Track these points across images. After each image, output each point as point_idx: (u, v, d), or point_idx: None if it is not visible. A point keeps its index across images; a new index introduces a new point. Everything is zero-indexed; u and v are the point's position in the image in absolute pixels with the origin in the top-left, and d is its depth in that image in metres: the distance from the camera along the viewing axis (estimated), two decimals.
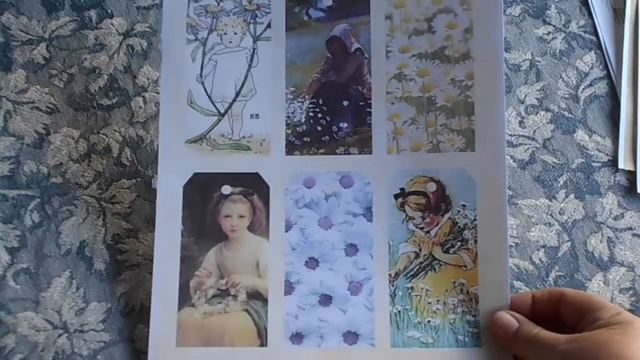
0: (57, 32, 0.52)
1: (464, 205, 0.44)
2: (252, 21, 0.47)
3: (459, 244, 0.44)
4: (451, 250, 0.44)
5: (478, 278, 0.44)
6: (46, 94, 0.50)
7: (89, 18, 0.52)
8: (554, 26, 0.53)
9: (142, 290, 0.46)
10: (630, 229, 0.48)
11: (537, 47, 0.53)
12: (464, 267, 0.44)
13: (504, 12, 0.54)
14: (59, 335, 0.44)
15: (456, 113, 0.45)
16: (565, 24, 0.53)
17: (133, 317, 0.45)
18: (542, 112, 0.51)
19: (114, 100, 0.50)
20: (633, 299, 0.46)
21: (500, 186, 0.44)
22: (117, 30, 0.52)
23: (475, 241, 0.44)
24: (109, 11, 0.53)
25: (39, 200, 0.47)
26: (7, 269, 0.45)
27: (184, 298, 0.44)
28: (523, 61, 0.52)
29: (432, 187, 0.45)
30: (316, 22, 0.46)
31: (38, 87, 0.50)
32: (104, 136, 0.49)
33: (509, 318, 0.42)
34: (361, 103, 0.46)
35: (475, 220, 0.44)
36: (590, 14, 0.54)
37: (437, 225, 0.45)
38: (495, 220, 0.44)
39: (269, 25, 0.47)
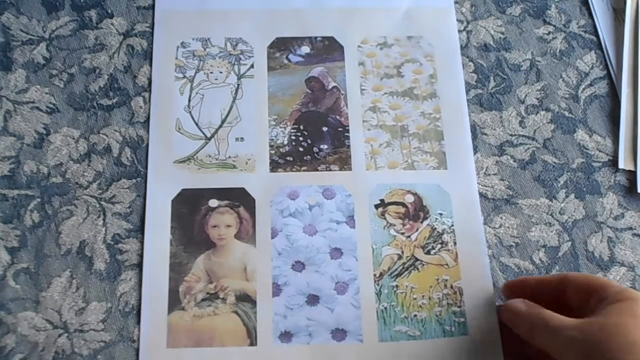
0: (57, 32, 0.52)
1: (441, 214, 0.48)
2: (236, 63, 0.52)
3: (439, 246, 0.47)
4: (432, 252, 0.47)
5: (460, 274, 0.46)
6: (46, 93, 0.50)
7: (89, 18, 0.52)
8: (554, 26, 0.53)
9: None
10: (631, 228, 0.48)
11: (538, 47, 0.53)
12: (445, 266, 0.46)
13: (504, 12, 0.54)
14: (59, 335, 0.44)
15: (427, 139, 0.50)
16: (565, 23, 0.53)
17: (133, 317, 0.45)
18: (543, 112, 0.51)
19: (114, 100, 0.50)
20: None
21: (473, 199, 0.48)
22: (117, 30, 0.52)
23: (455, 243, 0.47)
24: (109, 11, 0.53)
25: (39, 200, 0.47)
26: (7, 269, 0.45)
27: (174, 302, 0.45)
28: (523, 61, 0.52)
29: (410, 198, 0.48)
30: (295, 65, 0.52)
31: (38, 87, 0.50)
32: (104, 136, 0.49)
33: (517, 303, 0.40)
34: (340, 129, 0.50)
35: (452, 226, 0.47)
36: (590, 13, 0.54)
37: (417, 230, 0.47)
38: (472, 226, 0.47)
39: (252, 66, 0.52)
